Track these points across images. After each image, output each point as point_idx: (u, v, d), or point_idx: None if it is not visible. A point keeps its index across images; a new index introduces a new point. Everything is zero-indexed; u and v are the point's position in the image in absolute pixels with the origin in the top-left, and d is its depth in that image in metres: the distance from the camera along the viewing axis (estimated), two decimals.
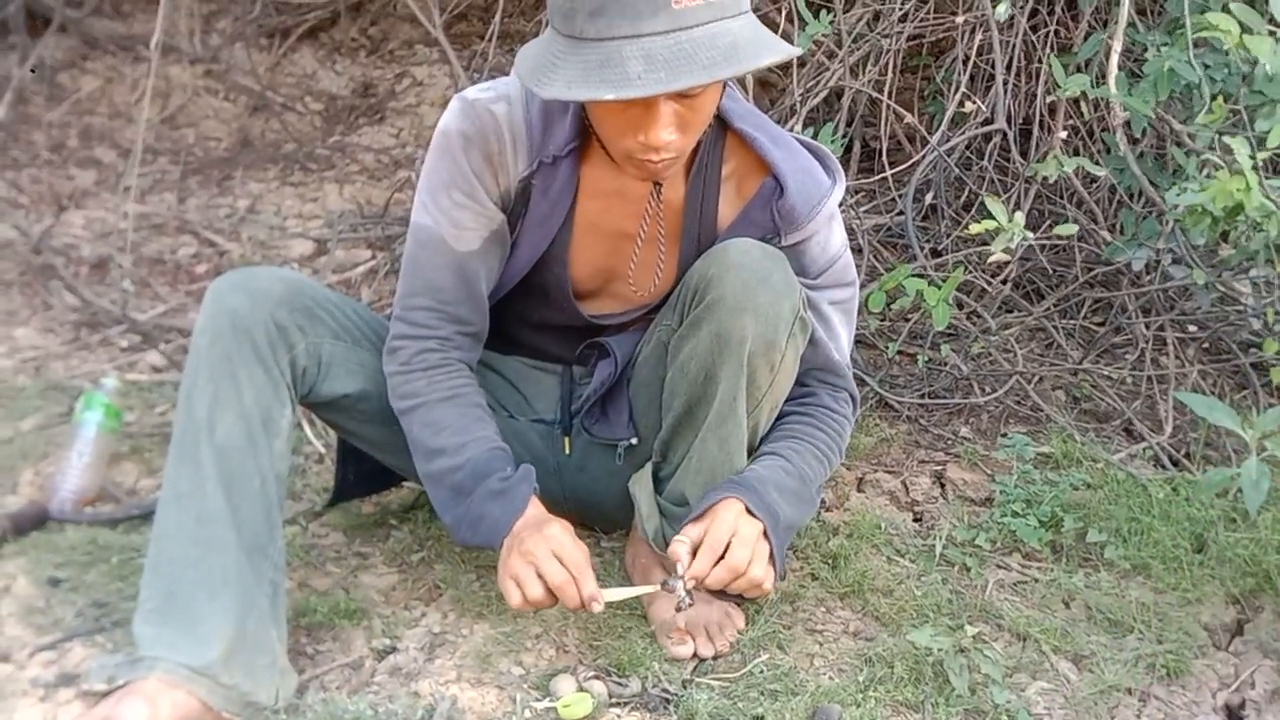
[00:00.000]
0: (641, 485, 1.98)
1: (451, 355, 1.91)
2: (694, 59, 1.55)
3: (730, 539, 1.75)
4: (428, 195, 1.88)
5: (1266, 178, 2.23)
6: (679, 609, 1.76)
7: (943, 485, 2.55)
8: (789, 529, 1.87)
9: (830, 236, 1.91)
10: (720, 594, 1.84)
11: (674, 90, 1.56)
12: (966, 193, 3.32)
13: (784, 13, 3.05)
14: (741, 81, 2.97)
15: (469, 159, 1.84)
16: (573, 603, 1.73)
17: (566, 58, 1.60)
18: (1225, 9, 2.26)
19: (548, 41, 1.66)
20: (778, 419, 1.97)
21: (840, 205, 1.94)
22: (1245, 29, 2.19)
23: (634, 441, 2.04)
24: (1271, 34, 2.20)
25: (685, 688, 1.87)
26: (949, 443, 2.71)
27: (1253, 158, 2.15)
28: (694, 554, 1.76)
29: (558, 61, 1.61)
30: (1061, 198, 3.23)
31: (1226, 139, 2.19)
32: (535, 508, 1.83)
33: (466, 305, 1.91)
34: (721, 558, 1.75)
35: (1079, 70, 2.79)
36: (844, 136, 3.22)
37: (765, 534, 1.78)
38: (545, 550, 1.73)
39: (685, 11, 1.55)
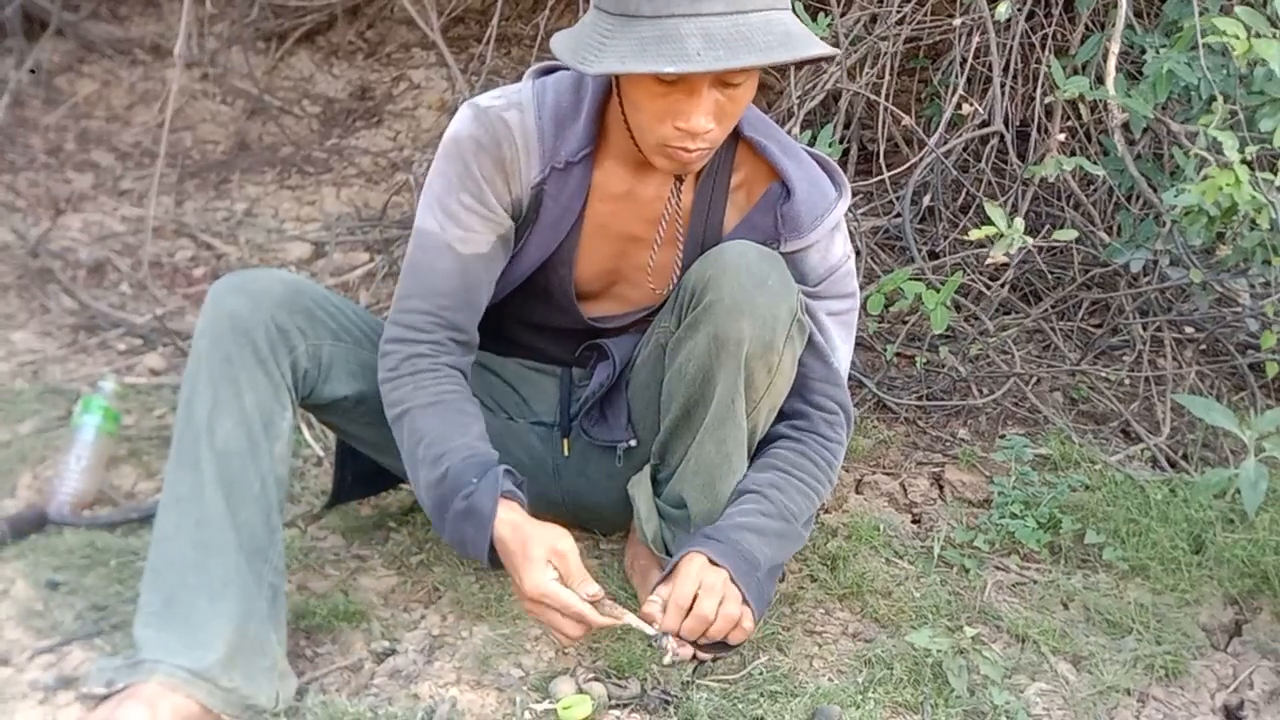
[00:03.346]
0: (640, 488, 1.98)
1: (441, 361, 1.87)
2: (751, 41, 1.58)
3: (696, 591, 1.73)
4: (434, 199, 1.88)
5: (1259, 172, 2.24)
6: (671, 664, 1.77)
7: (941, 487, 2.56)
8: (772, 570, 1.86)
9: (831, 247, 1.91)
10: (707, 647, 1.82)
11: (734, 68, 1.58)
12: (964, 195, 3.33)
13: None
14: None
15: (479, 164, 1.84)
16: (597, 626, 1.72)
17: (618, 34, 1.61)
18: (1224, 10, 2.27)
19: (591, 23, 1.67)
20: (769, 443, 1.96)
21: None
22: (1252, 32, 2.19)
23: (633, 444, 2.03)
24: (1275, 36, 2.20)
25: (685, 689, 1.87)
26: (947, 444, 2.71)
27: (1241, 152, 2.16)
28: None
29: (606, 40, 1.62)
30: (1059, 200, 3.24)
31: (1215, 132, 2.19)
32: (504, 524, 1.72)
33: (464, 312, 1.89)
34: (690, 610, 1.73)
35: (1076, 72, 2.80)
36: (841, 139, 3.22)
37: (732, 579, 1.76)
38: (542, 610, 1.70)
39: None
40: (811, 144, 2.60)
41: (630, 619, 1.74)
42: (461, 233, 1.86)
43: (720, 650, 1.83)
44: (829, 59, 1.74)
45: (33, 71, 4.38)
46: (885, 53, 3.21)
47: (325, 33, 4.88)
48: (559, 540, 1.72)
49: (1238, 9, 2.22)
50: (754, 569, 1.79)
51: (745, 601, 1.77)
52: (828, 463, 1.96)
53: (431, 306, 1.87)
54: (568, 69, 1.90)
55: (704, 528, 1.86)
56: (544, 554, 1.70)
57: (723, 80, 1.66)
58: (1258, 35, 2.18)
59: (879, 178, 3.16)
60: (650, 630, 1.74)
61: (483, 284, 1.91)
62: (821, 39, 2.72)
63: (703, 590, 1.74)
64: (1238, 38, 2.15)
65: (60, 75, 4.53)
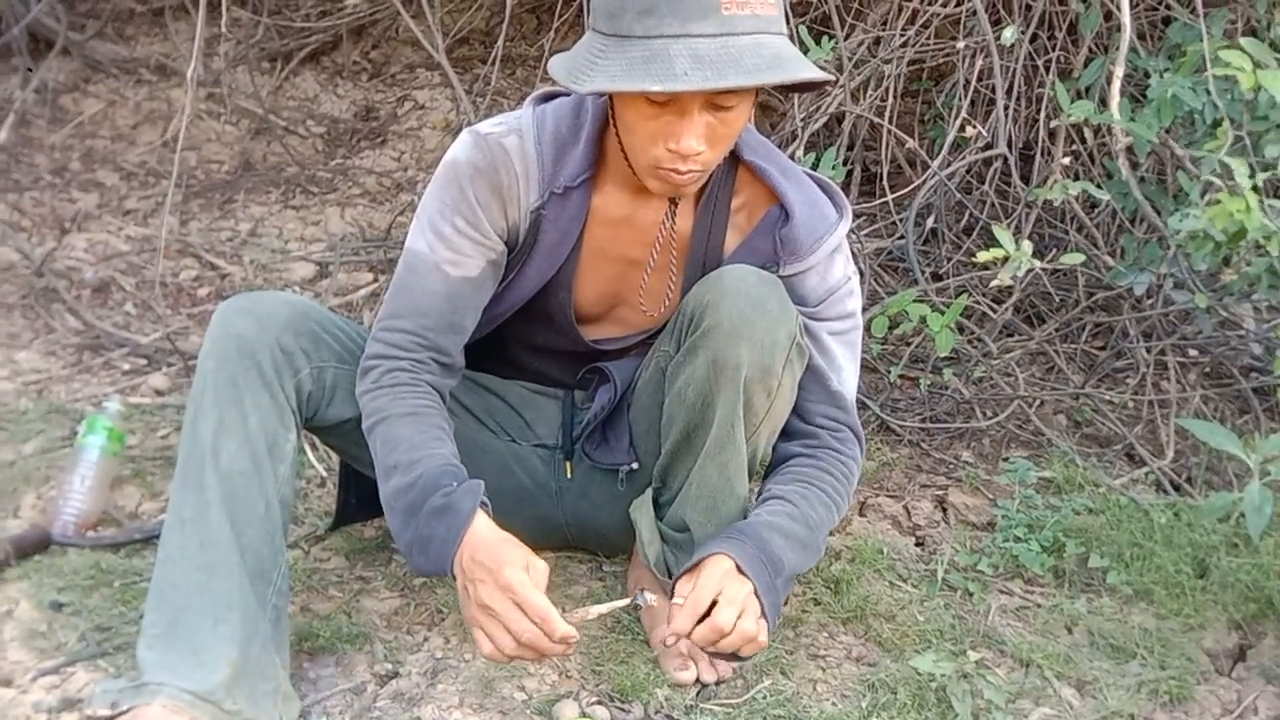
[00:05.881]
0: (642, 511, 1.98)
1: (421, 377, 1.86)
2: (739, 63, 1.58)
3: (715, 598, 1.70)
4: (427, 222, 1.89)
5: (1267, 199, 2.24)
6: (643, 606, 1.75)
7: (945, 510, 2.55)
8: (790, 578, 1.83)
9: (830, 269, 1.91)
10: (716, 655, 1.81)
11: (720, 88, 1.58)
12: (967, 217, 3.33)
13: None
14: None
15: (475, 189, 1.85)
16: (548, 652, 1.66)
17: (609, 54, 1.62)
18: (1226, 35, 2.27)
19: (587, 44, 1.69)
20: (785, 461, 1.96)
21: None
22: (1256, 63, 2.19)
23: (634, 466, 2.04)
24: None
25: (688, 713, 1.87)
26: (951, 467, 2.71)
27: (1252, 178, 2.16)
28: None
29: (598, 60, 1.63)
30: (1063, 222, 3.24)
31: (1225, 159, 2.20)
32: (483, 525, 1.70)
33: (447, 335, 1.89)
34: (706, 616, 1.70)
35: (1080, 95, 2.80)
36: (845, 161, 3.23)
37: (755, 592, 1.73)
38: (505, 603, 1.63)
39: (734, 18, 1.60)
40: (815, 166, 2.61)
41: (597, 609, 1.72)
42: (452, 255, 1.87)
43: (730, 660, 1.82)
44: (830, 83, 1.73)
45: (30, 70, 4.37)
46: (889, 75, 3.22)
47: (330, 53, 4.88)
48: (535, 558, 1.69)
49: (1242, 40, 2.22)
50: (776, 576, 1.77)
51: (763, 614, 1.74)
52: (845, 476, 1.95)
53: (416, 327, 1.87)
54: (568, 95, 1.92)
55: (736, 522, 1.84)
56: (523, 560, 1.67)
57: (714, 103, 1.66)
58: (1260, 66, 2.18)
59: (882, 200, 3.17)
60: (624, 601, 1.73)
61: (469, 308, 1.91)
62: (825, 62, 2.75)
63: (723, 599, 1.70)
64: (1243, 69, 2.16)
65: (66, 95, 4.53)
